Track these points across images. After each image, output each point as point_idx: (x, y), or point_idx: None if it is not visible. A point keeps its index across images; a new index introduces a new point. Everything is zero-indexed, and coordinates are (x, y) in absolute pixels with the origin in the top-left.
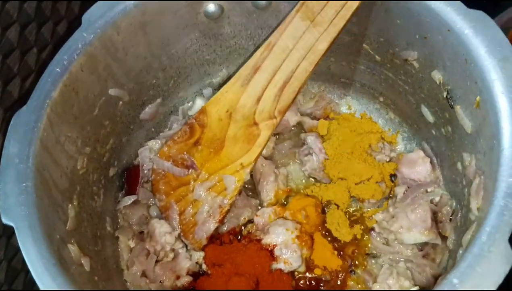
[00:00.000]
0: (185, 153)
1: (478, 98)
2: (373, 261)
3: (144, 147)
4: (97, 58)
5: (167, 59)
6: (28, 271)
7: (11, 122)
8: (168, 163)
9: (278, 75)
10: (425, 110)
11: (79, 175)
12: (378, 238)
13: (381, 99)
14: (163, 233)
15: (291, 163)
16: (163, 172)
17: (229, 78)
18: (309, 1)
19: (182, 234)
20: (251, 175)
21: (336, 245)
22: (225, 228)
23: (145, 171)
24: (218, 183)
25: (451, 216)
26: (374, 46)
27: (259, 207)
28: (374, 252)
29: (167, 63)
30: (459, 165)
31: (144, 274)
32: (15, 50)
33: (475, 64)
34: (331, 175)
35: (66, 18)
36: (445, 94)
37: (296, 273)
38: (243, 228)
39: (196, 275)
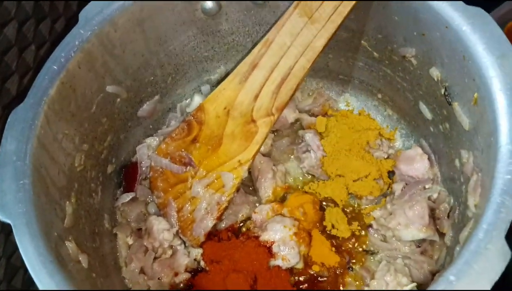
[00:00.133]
0: (183, 150)
1: (476, 95)
2: (371, 258)
3: (142, 144)
4: (95, 55)
5: (165, 56)
6: (27, 268)
7: (9, 120)
8: (166, 160)
9: (275, 72)
10: (423, 107)
11: (77, 172)
12: (376, 235)
13: (379, 96)
14: (161, 230)
15: (289, 160)
16: (161, 169)
17: (227, 75)
18: None
19: (180, 231)
20: (249, 172)
21: (334, 241)
22: (223, 225)
23: (143, 168)
24: (216, 180)
25: (448, 213)
26: (372, 43)
27: (257, 204)
28: (372, 248)
29: (165, 60)
30: (457, 162)
31: (142, 271)
32: (13, 47)
33: (473, 61)
34: (329, 171)
35: (64, 15)
36: (443, 91)
37: (294, 269)
38: (241, 225)
39: (194, 271)
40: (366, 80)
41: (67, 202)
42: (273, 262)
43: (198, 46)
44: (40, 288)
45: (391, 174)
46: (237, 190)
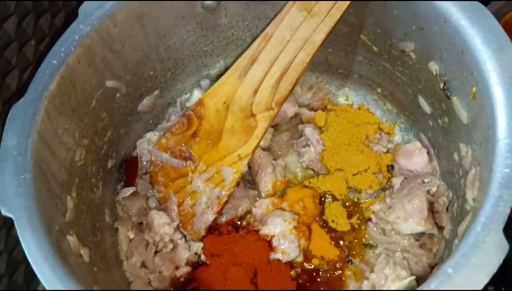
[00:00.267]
0: (183, 144)
1: (474, 89)
2: (370, 251)
3: (142, 138)
4: (94, 50)
5: (165, 51)
6: (28, 262)
7: (9, 115)
8: (166, 154)
9: (275, 67)
10: (422, 101)
11: (78, 167)
12: (375, 228)
13: (379, 90)
14: (162, 224)
15: (289, 154)
16: (161, 164)
17: (226, 69)
18: None
19: (181, 225)
20: (249, 166)
21: (333, 235)
22: (223, 219)
23: (144, 163)
24: (216, 175)
25: (447, 207)
26: (371, 37)
27: (257, 198)
28: (371, 242)
29: (164, 54)
30: (455, 156)
31: (143, 265)
32: (13, 42)
33: (471, 55)
34: (329, 166)
35: (64, 10)
36: (442, 85)
37: (294, 263)
38: (241, 219)
39: (195, 265)
40: (365, 74)
41: (68, 197)
42: (273, 256)
43: (197, 40)
44: (42, 281)
45: (390, 168)
46: (237, 184)
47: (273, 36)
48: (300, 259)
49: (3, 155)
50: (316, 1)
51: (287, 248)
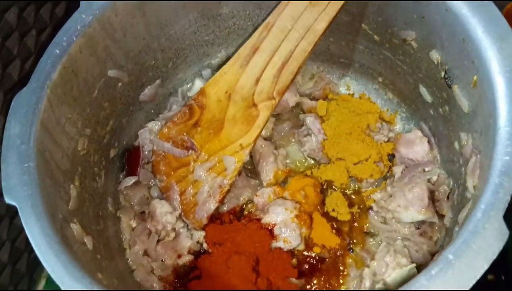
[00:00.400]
0: (184, 134)
1: (475, 77)
2: (371, 240)
3: (144, 128)
4: (96, 39)
5: (166, 40)
6: (31, 251)
7: (12, 104)
8: (168, 144)
9: (277, 56)
10: (423, 90)
11: (80, 156)
12: (376, 217)
13: (380, 79)
14: (164, 213)
15: (290, 143)
16: (163, 153)
17: (228, 59)
18: None
19: (183, 214)
20: (251, 156)
21: (334, 224)
22: (225, 208)
23: (146, 152)
24: (218, 164)
25: (448, 195)
26: (372, 26)
27: (259, 187)
28: (372, 230)
29: (166, 44)
30: (456, 144)
31: (146, 253)
32: (14, 32)
33: (473, 43)
34: (330, 155)
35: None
36: (443, 74)
37: (295, 251)
38: (243, 208)
39: (197, 254)
40: (366, 63)
41: (71, 185)
42: (275, 244)
43: (199, 30)
44: (46, 268)
45: (391, 157)
46: (239, 174)
47: (275, 25)
48: (301, 247)
49: (6, 143)
50: None
51: (288, 236)
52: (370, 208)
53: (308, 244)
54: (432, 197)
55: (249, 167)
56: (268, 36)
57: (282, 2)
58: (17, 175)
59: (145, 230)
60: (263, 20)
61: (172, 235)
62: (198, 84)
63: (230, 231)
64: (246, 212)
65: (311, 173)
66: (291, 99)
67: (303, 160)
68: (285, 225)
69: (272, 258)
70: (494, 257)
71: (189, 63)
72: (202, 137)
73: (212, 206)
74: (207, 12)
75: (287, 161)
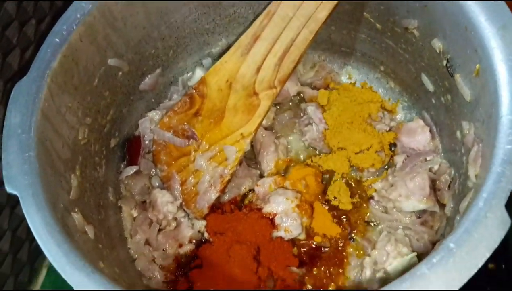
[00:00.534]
0: (185, 123)
1: (477, 66)
2: (372, 229)
3: (145, 117)
4: (96, 28)
5: (166, 29)
6: (32, 241)
7: (12, 93)
8: (168, 133)
9: (278, 44)
10: (425, 79)
11: (81, 145)
12: (377, 206)
13: (382, 68)
14: (165, 202)
15: (291, 133)
16: (164, 143)
17: (228, 48)
18: None
19: (184, 203)
20: (252, 145)
21: (335, 213)
22: (226, 198)
23: (146, 142)
24: (218, 153)
25: (449, 184)
26: (374, 14)
27: (260, 177)
28: (373, 220)
29: (166, 32)
30: (458, 134)
31: (147, 242)
32: (14, 21)
33: (475, 32)
34: (331, 144)
35: None
36: (445, 62)
37: (296, 240)
38: (244, 197)
39: (198, 243)
40: (368, 52)
41: (72, 175)
42: (276, 234)
43: (199, 18)
44: (48, 257)
45: (392, 146)
46: (240, 163)
47: (276, 13)
48: (302, 236)
49: (7, 132)
50: None
51: (289, 225)
52: (371, 197)
53: (309, 233)
54: (433, 186)
55: (250, 157)
56: (269, 24)
57: None
58: (18, 164)
59: (146, 220)
60: (264, 8)
61: (173, 224)
62: (198, 73)
63: (231, 221)
64: (247, 202)
65: (312, 162)
66: (292, 88)
67: (304, 150)
68: (286, 215)
69: (273, 247)
70: (496, 245)
71: (189, 52)
72: (203, 126)
73: (213, 195)
74: (208, 0)
75: (288, 151)
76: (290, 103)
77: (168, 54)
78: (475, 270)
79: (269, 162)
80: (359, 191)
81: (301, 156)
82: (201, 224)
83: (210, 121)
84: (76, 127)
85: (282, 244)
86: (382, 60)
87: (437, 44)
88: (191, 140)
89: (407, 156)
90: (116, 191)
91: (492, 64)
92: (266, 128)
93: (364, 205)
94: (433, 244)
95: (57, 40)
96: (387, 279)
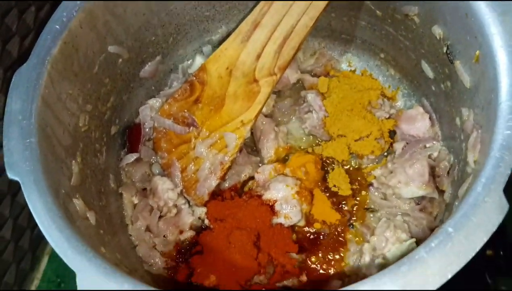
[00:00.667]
0: (185, 110)
1: (477, 52)
2: (371, 215)
3: (145, 105)
4: (96, 14)
5: (166, 16)
6: (34, 228)
7: (13, 80)
8: (169, 120)
9: (278, 31)
10: (425, 66)
11: (82, 132)
12: (376, 193)
13: (382, 55)
14: (166, 189)
15: (291, 120)
16: (164, 130)
17: (228, 35)
18: None
19: (184, 190)
20: (252, 133)
21: (335, 200)
22: (226, 185)
23: (147, 129)
24: (219, 140)
25: (448, 171)
26: (374, 1)
27: (260, 164)
28: (372, 206)
29: (166, 19)
30: (457, 120)
31: (148, 229)
32: (13, 9)
33: (476, 18)
34: (331, 132)
35: None
36: (445, 49)
37: (296, 227)
38: (244, 184)
39: (199, 229)
40: (368, 39)
41: (73, 161)
42: (276, 220)
43: (199, 5)
44: (50, 242)
45: (392, 133)
46: (240, 150)
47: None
48: (302, 223)
49: (8, 119)
50: None
51: (289, 212)
52: (371, 184)
53: (309, 220)
54: (433, 173)
55: (250, 144)
56: (270, 11)
57: None
58: (19, 151)
59: (147, 206)
60: None
61: (174, 211)
62: (198, 60)
63: (231, 207)
64: (247, 189)
65: (312, 149)
66: (292, 76)
67: (304, 137)
68: (285, 201)
69: (273, 233)
70: (494, 229)
71: (189, 39)
72: (203, 114)
73: (213, 182)
74: None
75: (288, 138)
76: (290, 91)
77: (168, 41)
78: (473, 254)
79: (269, 149)
80: (358, 178)
81: (301, 143)
82: (201, 211)
83: (210, 109)
84: (76, 114)
85: (282, 230)
86: (382, 47)
87: (437, 31)
88: (191, 128)
89: (407, 143)
90: (117, 178)
91: (492, 51)
92: (266, 116)
93: (364, 191)
94: (432, 230)
95: (57, 26)
96: (385, 264)
